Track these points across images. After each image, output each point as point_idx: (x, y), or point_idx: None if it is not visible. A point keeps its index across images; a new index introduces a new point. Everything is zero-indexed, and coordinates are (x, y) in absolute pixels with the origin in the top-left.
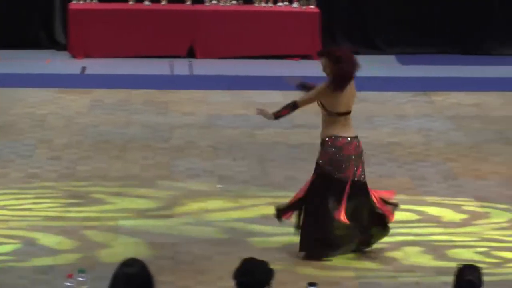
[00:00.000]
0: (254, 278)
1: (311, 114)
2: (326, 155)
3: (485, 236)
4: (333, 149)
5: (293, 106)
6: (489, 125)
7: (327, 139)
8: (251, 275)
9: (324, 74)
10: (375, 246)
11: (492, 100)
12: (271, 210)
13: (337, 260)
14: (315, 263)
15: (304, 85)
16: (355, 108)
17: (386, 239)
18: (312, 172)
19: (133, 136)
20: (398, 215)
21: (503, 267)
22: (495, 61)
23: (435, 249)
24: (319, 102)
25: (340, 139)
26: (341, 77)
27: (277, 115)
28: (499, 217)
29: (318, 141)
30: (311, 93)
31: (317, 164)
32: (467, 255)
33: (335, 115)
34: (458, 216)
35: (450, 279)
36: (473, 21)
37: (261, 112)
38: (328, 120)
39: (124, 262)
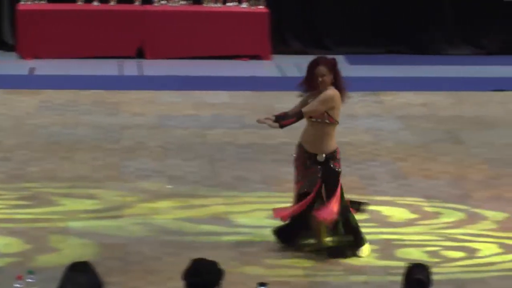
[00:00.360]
0: (204, 279)
1: (261, 114)
2: (338, 163)
3: (434, 236)
4: (339, 159)
5: (298, 115)
6: (438, 124)
7: (336, 151)
8: (201, 275)
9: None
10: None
11: (440, 99)
12: (221, 210)
13: (286, 260)
14: (264, 263)
15: (282, 116)
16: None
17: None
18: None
19: (82, 137)
20: None
21: (451, 266)
22: (443, 60)
23: (384, 248)
24: (325, 113)
25: (338, 149)
26: (343, 84)
27: (283, 124)
28: (448, 217)
29: (269, 141)
30: (317, 104)
31: (338, 173)
32: (416, 254)
33: (335, 124)
34: (407, 216)
35: (399, 278)
36: (422, 21)
37: (265, 121)
38: (328, 131)
39: (72, 265)
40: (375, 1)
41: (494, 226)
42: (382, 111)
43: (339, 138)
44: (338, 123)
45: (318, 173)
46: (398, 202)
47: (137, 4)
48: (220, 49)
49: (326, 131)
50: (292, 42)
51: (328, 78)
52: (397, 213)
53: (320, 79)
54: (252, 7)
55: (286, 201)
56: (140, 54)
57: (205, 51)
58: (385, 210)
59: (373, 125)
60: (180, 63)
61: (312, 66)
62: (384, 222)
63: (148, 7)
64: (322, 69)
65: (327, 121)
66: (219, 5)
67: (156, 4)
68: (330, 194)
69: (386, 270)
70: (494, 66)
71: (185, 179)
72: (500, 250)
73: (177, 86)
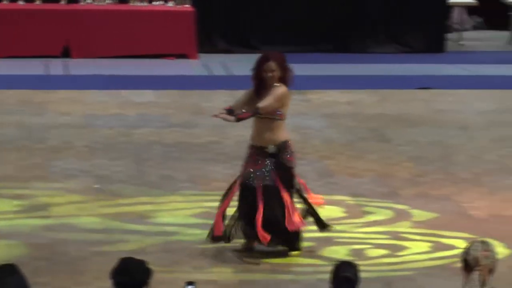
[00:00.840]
0: (132, 278)
1: (187, 113)
2: (293, 157)
3: (361, 234)
4: (293, 152)
5: (255, 111)
6: (364, 123)
7: (288, 142)
8: (129, 274)
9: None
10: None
11: (366, 98)
12: (148, 209)
13: (214, 258)
14: (192, 262)
15: (231, 110)
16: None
17: None
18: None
19: (8, 137)
20: None
21: (379, 264)
22: (369, 59)
23: (312, 246)
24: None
25: (291, 141)
26: (289, 75)
27: (240, 118)
28: (375, 215)
29: (195, 140)
30: (272, 100)
31: (292, 168)
32: (343, 253)
33: (284, 118)
34: (334, 214)
35: (327, 276)
36: (348, 20)
37: (221, 116)
38: (278, 125)
39: None
40: (301, 0)
41: (420, 224)
42: (309, 110)
43: None
44: (285, 117)
45: (269, 166)
46: (325, 200)
47: (62, 3)
48: (146, 48)
49: (276, 125)
50: (218, 41)
51: (277, 73)
52: (324, 212)
53: (269, 74)
54: (178, 6)
55: (212, 199)
56: (66, 54)
57: (131, 50)
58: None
59: (300, 124)
60: (106, 62)
61: (262, 61)
62: (311, 220)
63: (74, 6)
64: (271, 64)
65: (276, 117)
66: (145, 4)
67: (82, 3)
68: (290, 192)
69: (314, 268)
70: (418, 64)
71: (111, 179)
72: (426, 248)
73: (103, 86)
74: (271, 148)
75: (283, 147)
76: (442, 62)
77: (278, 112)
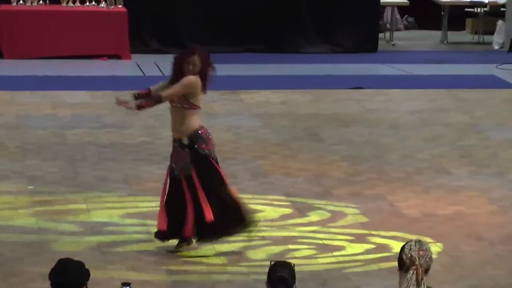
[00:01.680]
0: (70, 279)
1: (121, 114)
2: (210, 143)
3: (295, 233)
4: (210, 135)
5: (157, 99)
6: (297, 122)
7: (199, 131)
8: (67, 275)
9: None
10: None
11: (299, 97)
12: (82, 210)
13: (149, 259)
14: (127, 263)
15: (140, 95)
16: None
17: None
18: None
19: None
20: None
21: (314, 263)
22: (302, 59)
23: (247, 247)
24: (182, 96)
25: (203, 129)
26: (210, 72)
27: (141, 106)
28: (309, 214)
29: (129, 141)
30: (177, 87)
31: (206, 156)
32: (278, 252)
33: (196, 108)
34: (269, 214)
35: (262, 276)
36: (280, 20)
37: (124, 104)
38: (189, 114)
39: None
40: (234, 0)
41: (355, 223)
42: (241, 110)
43: None
44: (200, 108)
45: (187, 158)
46: (259, 200)
47: None
48: (79, 48)
49: (187, 114)
50: (150, 41)
51: (197, 68)
52: (258, 212)
53: (190, 67)
54: (111, 7)
55: (146, 200)
56: None
57: (64, 51)
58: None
59: (233, 124)
60: (38, 63)
61: (187, 53)
62: None
63: (5, 7)
64: (195, 58)
65: (186, 106)
66: (77, 4)
67: (13, 4)
68: (205, 183)
69: (249, 269)
70: (351, 64)
71: (45, 180)
72: (361, 247)
73: (35, 86)
74: (185, 140)
75: (196, 136)
76: (374, 62)
77: (189, 101)
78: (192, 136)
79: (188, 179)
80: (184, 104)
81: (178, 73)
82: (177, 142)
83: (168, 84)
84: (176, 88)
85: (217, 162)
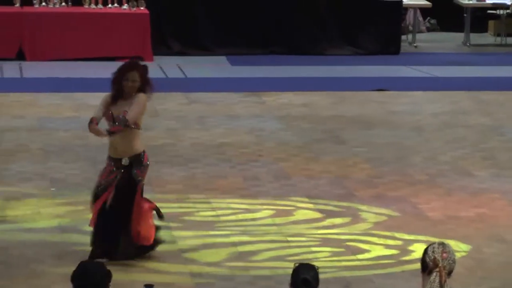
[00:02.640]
0: (92, 281)
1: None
2: (145, 171)
3: (319, 235)
4: (148, 163)
5: (125, 123)
6: (319, 124)
7: (143, 153)
8: (89, 277)
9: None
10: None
11: (321, 99)
12: None
13: (172, 262)
14: (150, 265)
15: (114, 119)
16: (187, 109)
17: (220, 238)
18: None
19: None
20: (233, 216)
21: (337, 265)
22: (324, 61)
23: (270, 248)
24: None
25: (145, 154)
26: (149, 89)
27: (111, 132)
28: (332, 216)
29: (151, 143)
30: (139, 108)
31: (135, 182)
32: (303, 255)
33: (140, 128)
34: (291, 216)
35: (286, 278)
36: (302, 22)
37: (94, 132)
38: (134, 135)
39: None
40: (256, 2)
41: (378, 225)
42: (264, 112)
43: (220, 138)
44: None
45: (116, 178)
46: (281, 202)
47: (16, 6)
48: (101, 50)
49: (132, 135)
50: (173, 43)
51: (137, 84)
52: (281, 213)
53: (130, 84)
54: (133, 8)
55: (168, 202)
56: (20, 56)
57: (86, 52)
58: (269, 211)
59: (255, 126)
60: (60, 65)
61: (126, 69)
62: (269, 222)
63: (27, 9)
64: (135, 74)
65: (133, 126)
66: (99, 6)
67: (36, 6)
68: (123, 204)
69: (272, 271)
70: (373, 66)
71: (67, 181)
72: (384, 249)
73: (57, 88)
74: (125, 162)
75: (138, 160)
76: (396, 64)
77: (136, 122)
78: (134, 158)
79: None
80: (135, 125)
81: (118, 90)
82: (115, 161)
83: (106, 102)
84: (138, 108)
85: (142, 190)
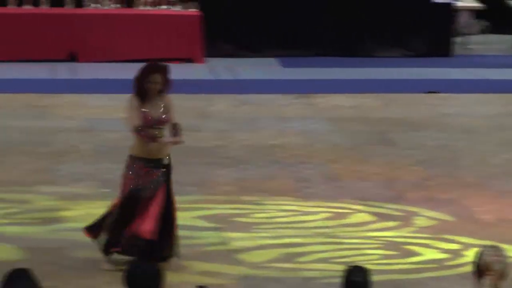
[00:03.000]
0: (145, 282)
1: (193, 117)
2: None
3: (370, 238)
4: None
5: (178, 128)
6: (369, 126)
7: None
8: (142, 278)
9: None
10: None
11: (371, 101)
12: None
13: (224, 263)
14: (202, 266)
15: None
16: (238, 111)
17: (270, 240)
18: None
19: (13, 141)
20: (284, 218)
21: (388, 268)
22: (373, 63)
23: (323, 251)
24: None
25: None
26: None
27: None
28: (382, 218)
29: (202, 144)
30: (173, 111)
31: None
32: (353, 257)
33: None
34: (342, 219)
35: (337, 280)
36: (352, 24)
37: (172, 141)
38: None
39: (12, 272)
40: (306, 3)
41: (428, 228)
42: (314, 114)
43: (270, 140)
44: None
45: (162, 177)
46: (331, 204)
47: (68, 8)
48: (152, 52)
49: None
50: (224, 45)
51: (160, 86)
52: (332, 215)
53: (153, 86)
54: (185, 10)
55: (218, 203)
56: (72, 58)
57: (137, 54)
58: (319, 212)
59: (305, 128)
60: (112, 66)
61: (149, 71)
62: (319, 223)
63: (80, 11)
64: (158, 76)
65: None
66: (151, 8)
67: (88, 8)
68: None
69: (324, 273)
70: (423, 68)
71: (117, 182)
72: (436, 252)
73: (108, 90)
74: (167, 160)
75: (170, 158)
76: (448, 66)
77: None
78: (169, 156)
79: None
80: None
81: (141, 91)
82: (153, 162)
83: (139, 105)
84: (172, 112)
85: None
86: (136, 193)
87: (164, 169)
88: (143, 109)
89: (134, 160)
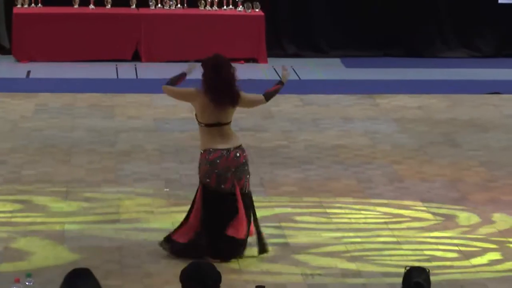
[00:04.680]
0: (203, 282)
1: (257, 117)
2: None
3: (432, 238)
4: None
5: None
6: (434, 127)
7: (201, 152)
8: (200, 278)
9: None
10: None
11: (436, 102)
12: None
13: (284, 263)
14: (262, 267)
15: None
16: (301, 111)
17: (332, 240)
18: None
19: (78, 140)
20: (344, 219)
21: (450, 269)
22: (439, 63)
23: (382, 248)
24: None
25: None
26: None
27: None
28: (446, 219)
29: (265, 144)
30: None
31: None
32: (414, 257)
33: (200, 124)
34: (404, 218)
35: (397, 280)
36: (417, 24)
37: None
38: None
39: (73, 272)
40: (371, 4)
41: (491, 229)
42: (378, 114)
43: (334, 141)
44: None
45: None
46: (395, 204)
47: (132, 8)
48: (216, 51)
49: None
50: (287, 45)
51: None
52: (394, 216)
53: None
54: (248, 10)
55: (281, 203)
56: (136, 57)
57: (201, 54)
58: (382, 213)
59: (369, 128)
60: (176, 66)
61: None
62: (382, 224)
63: (143, 10)
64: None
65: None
66: (215, 8)
67: (152, 8)
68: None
69: (384, 273)
70: (489, 69)
71: (181, 182)
72: (498, 253)
73: None
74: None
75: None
76: None
77: None
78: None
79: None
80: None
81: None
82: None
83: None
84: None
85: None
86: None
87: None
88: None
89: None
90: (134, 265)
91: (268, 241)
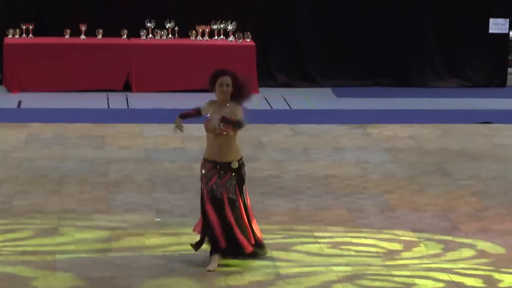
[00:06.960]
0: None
1: (248, 147)
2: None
3: (422, 269)
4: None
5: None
6: (425, 157)
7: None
8: None
9: None
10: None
11: (427, 132)
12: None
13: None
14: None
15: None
16: (292, 141)
17: (323, 269)
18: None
19: (69, 171)
20: (335, 248)
21: None
22: (430, 93)
23: (372, 280)
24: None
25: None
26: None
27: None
28: (436, 249)
29: (256, 174)
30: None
31: (244, 179)
32: (404, 286)
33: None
34: (394, 248)
35: None
36: (408, 54)
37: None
38: (233, 140)
39: None
40: (361, 33)
41: (483, 259)
42: (369, 144)
43: (325, 170)
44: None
45: (233, 180)
46: (386, 235)
47: (124, 38)
48: (207, 82)
49: (232, 141)
50: (278, 75)
51: (230, 89)
52: (385, 246)
53: (225, 88)
54: (239, 41)
55: (273, 233)
56: (127, 88)
57: (192, 84)
58: (373, 242)
59: (360, 158)
60: (167, 96)
61: (216, 75)
62: (373, 253)
63: (135, 41)
64: (227, 79)
65: (231, 133)
66: (206, 38)
67: (143, 38)
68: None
69: None
70: (480, 98)
71: (172, 213)
72: (490, 284)
73: (163, 119)
74: (235, 165)
75: (243, 163)
76: (503, 97)
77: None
78: (241, 162)
79: (231, 201)
80: (229, 132)
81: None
82: (222, 166)
83: (207, 108)
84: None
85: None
86: (211, 194)
87: (233, 173)
88: (208, 115)
89: (204, 164)
90: None
91: (259, 270)
